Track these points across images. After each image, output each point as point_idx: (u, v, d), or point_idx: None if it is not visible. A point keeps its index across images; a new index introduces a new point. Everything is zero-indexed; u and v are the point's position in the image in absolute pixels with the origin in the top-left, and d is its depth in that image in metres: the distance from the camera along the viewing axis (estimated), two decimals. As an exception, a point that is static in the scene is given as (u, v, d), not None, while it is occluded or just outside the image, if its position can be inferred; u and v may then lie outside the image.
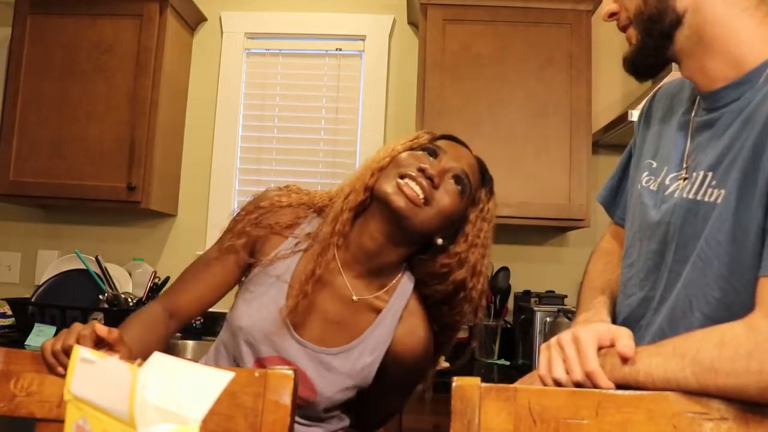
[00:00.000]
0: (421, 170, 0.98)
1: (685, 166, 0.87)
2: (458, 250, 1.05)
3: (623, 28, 0.89)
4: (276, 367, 0.79)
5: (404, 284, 1.08)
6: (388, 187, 0.98)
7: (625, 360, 0.74)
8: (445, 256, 1.05)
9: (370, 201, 1.04)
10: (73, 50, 2.28)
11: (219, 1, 2.61)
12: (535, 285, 2.38)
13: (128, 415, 0.47)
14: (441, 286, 1.07)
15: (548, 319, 2.03)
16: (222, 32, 2.61)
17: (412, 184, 0.98)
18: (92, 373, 0.51)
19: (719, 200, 0.79)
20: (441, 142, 1.08)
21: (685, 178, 0.87)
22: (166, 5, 2.29)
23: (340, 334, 1.05)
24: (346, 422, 1.16)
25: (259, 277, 1.07)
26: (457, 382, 0.72)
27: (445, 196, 1.00)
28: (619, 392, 0.72)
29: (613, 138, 2.30)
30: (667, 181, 0.90)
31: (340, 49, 2.59)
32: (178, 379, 0.48)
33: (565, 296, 2.23)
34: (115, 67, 2.27)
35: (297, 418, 1.05)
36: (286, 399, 0.76)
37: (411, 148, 1.04)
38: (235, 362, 1.08)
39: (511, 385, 0.73)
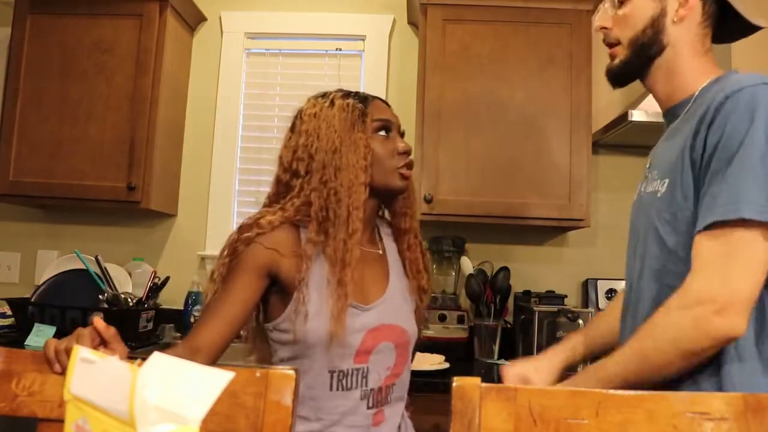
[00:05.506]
0: (403, 153, 1.21)
1: (647, 174, 1.10)
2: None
3: (609, 45, 1.13)
4: (277, 367, 0.79)
5: (384, 226, 1.33)
6: (395, 180, 1.21)
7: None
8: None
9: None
10: (73, 50, 2.28)
11: (219, 1, 2.62)
12: (535, 285, 2.38)
13: (128, 415, 0.47)
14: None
15: (548, 319, 2.03)
16: (222, 32, 2.61)
17: (406, 169, 1.22)
18: (92, 373, 0.51)
19: (662, 188, 1.00)
20: (376, 111, 1.22)
21: (645, 180, 1.10)
22: (166, 5, 2.29)
23: (383, 282, 1.25)
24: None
25: (304, 295, 1.15)
26: (457, 382, 0.72)
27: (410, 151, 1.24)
28: (620, 392, 0.72)
29: (613, 138, 2.30)
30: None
31: (340, 49, 2.59)
32: (178, 379, 0.48)
33: (565, 296, 2.23)
34: (115, 67, 2.27)
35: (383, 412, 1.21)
36: (288, 399, 0.75)
37: (374, 132, 1.21)
38: (331, 365, 1.15)
39: (512, 385, 0.73)
